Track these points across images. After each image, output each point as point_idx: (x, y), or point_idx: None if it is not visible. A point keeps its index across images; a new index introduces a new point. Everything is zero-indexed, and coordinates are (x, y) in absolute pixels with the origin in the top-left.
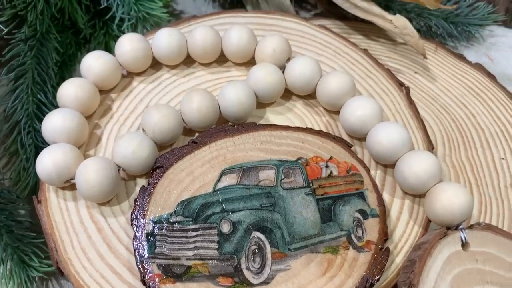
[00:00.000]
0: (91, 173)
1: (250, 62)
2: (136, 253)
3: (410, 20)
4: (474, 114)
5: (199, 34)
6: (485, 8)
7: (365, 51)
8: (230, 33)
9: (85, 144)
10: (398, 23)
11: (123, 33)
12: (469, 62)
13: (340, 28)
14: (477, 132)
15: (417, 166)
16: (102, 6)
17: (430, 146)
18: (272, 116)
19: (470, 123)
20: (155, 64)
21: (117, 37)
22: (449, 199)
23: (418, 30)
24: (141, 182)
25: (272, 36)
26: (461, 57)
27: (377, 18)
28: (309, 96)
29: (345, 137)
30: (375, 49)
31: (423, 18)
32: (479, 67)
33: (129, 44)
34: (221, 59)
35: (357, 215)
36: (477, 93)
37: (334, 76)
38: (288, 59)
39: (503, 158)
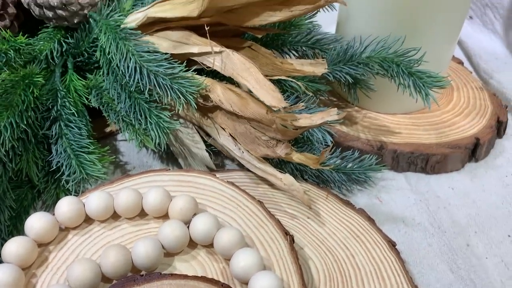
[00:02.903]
0: None
1: (166, 215)
2: None
3: (305, 171)
4: (353, 255)
5: (123, 195)
6: (371, 159)
7: (261, 203)
8: (148, 194)
9: None
10: (286, 181)
11: (70, 190)
12: (354, 208)
13: (251, 178)
14: (354, 271)
15: None
16: (54, 168)
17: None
18: (179, 263)
19: (349, 263)
20: (88, 219)
21: (66, 190)
22: None
23: (314, 181)
24: None
25: (181, 197)
26: (348, 203)
27: (270, 176)
28: (211, 245)
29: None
30: (277, 197)
31: (316, 170)
32: (361, 212)
33: (66, 206)
34: (143, 213)
35: None
36: (357, 235)
37: (225, 231)
38: (195, 214)
39: None
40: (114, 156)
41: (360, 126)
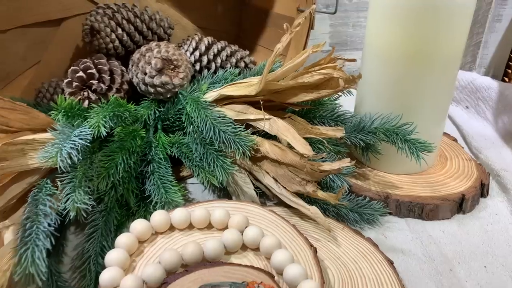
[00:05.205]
0: (127, 286)
1: (226, 227)
2: None
3: (328, 209)
4: (361, 268)
5: (197, 212)
6: (378, 205)
7: (293, 226)
8: (214, 212)
9: (127, 268)
10: (313, 211)
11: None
12: (363, 236)
13: (286, 212)
14: (361, 278)
15: (301, 286)
16: (146, 195)
17: (322, 281)
18: (234, 260)
19: (357, 272)
20: (172, 227)
21: (151, 213)
22: None
23: (334, 216)
24: None
25: (237, 214)
26: (359, 233)
27: (301, 207)
28: (257, 248)
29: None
30: (306, 226)
31: (337, 208)
32: (369, 239)
33: (158, 216)
34: (210, 226)
35: None
36: (364, 255)
37: (268, 238)
38: (246, 227)
39: None
40: (187, 191)
41: (372, 181)
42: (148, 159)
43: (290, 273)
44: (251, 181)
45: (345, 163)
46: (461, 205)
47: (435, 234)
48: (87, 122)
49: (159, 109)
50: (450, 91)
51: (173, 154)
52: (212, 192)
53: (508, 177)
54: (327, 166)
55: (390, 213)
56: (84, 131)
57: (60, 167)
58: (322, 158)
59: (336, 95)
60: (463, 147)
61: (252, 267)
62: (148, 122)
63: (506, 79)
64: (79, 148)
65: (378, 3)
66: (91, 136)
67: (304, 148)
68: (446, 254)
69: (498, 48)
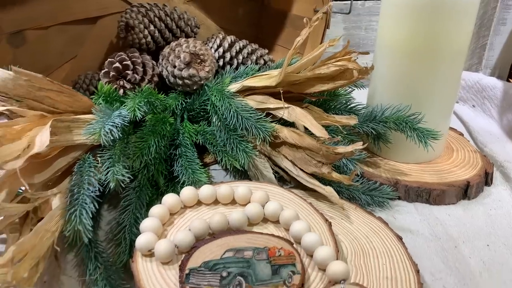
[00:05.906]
0: (161, 248)
1: (248, 203)
2: (180, 283)
3: (341, 192)
4: (372, 242)
5: (222, 188)
6: (387, 189)
7: (310, 204)
8: (238, 189)
9: (160, 235)
10: (328, 190)
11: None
12: (374, 215)
13: (302, 194)
14: (372, 250)
15: (318, 251)
16: (174, 175)
17: (336, 249)
18: (256, 230)
19: (368, 246)
20: (199, 202)
21: (178, 193)
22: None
23: (347, 198)
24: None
25: (259, 191)
26: (370, 213)
27: (317, 187)
28: (277, 221)
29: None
30: (321, 206)
31: (350, 191)
32: (379, 218)
33: (187, 191)
34: (233, 202)
35: (290, 273)
36: (375, 231)
37: (287, 211)
38: (266, 202)
39: (384, 264)
40: (210, 175)
41: (382, 169)
42: (176, 144)
43: (307, 240)
44: (270, 166)
45: (358, 146)
46: (466, 191)
47: (442, 217)
48: (125, 105)
49: (186, 100)
50: (456, 85)
51: (198, 141)
52: (233, 177)
53: (511, 168)
54: (341, 149)
55: (399, 198)
56: (123, 112)
57: (102, 141)
58: (337, 142)
59: (350, 88)
60: (469, 141)
61: (272, 235)
62: (176, 112)
63: (511, 80)
64: (118, 127)
65: (389, 1)
66: (129, 117)
67: (320, 132)
68: (452, 234)
69: (503, 50)
